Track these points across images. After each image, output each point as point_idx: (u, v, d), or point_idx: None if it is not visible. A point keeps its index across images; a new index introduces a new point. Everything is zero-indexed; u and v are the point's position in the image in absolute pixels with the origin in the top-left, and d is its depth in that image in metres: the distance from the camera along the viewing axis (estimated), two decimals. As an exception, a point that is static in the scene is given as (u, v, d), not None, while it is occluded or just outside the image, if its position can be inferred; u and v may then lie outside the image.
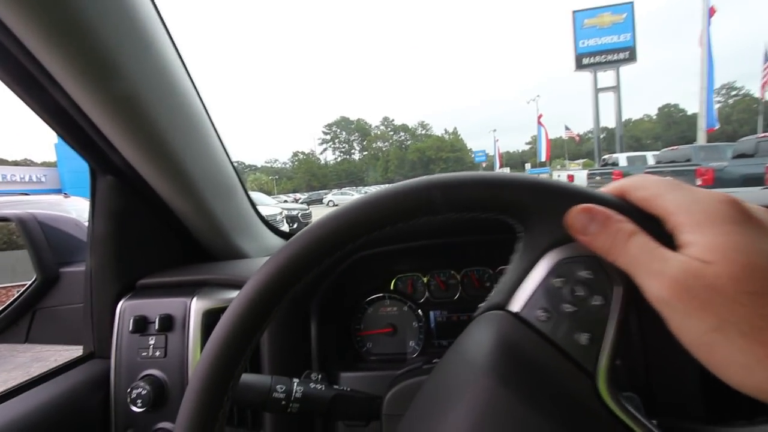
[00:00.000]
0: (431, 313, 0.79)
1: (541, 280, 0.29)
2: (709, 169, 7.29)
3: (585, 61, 22.95)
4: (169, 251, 0.78)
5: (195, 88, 0.71)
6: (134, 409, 0.60)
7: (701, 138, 13.05)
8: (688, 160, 8.86)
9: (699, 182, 7.03)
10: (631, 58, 22.43)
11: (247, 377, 0.51)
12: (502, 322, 0.30)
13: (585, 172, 13.92)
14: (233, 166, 0.87)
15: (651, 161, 12.22)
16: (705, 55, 12.83)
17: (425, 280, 0.79)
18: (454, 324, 0.78)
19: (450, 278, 0.79)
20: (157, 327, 0.63)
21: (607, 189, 0.30)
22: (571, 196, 0.28)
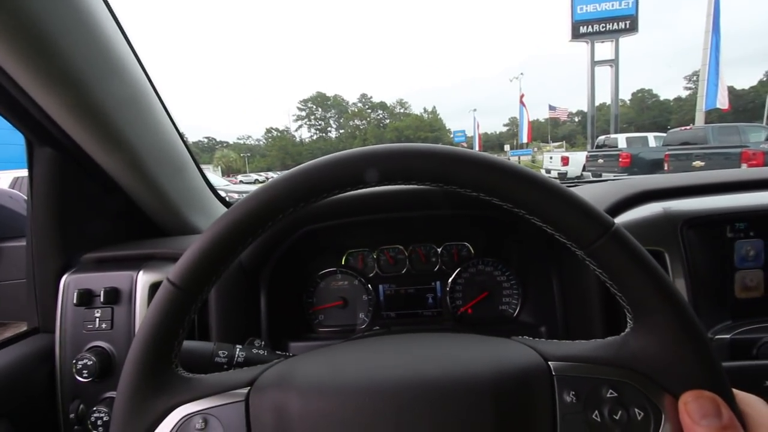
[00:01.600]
0: (380, 287, 0.82)
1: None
2: (759, 152, 6.24)
3: (582, 29, 20.25)
4: (116, 226, 0.77)
5: (140, 62, 0.69)
6: (80, 379, 0.61)
7: (699, 119, 12.47)
8: (705, 143, 7.99)
9: (745, 166, 6.08)
10: (632, 28, 19.94)
11: (189, 343, 0.53)
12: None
13: (584, 154, 12.39)
14: (184, 141, 0.86)
15: (652, 143, 11.06)
16: (710, 27, 11.82)
17: (375, 255, 0.82)
18: (401, 296, 0.82)
19: (398, 253, 0.82)
20: (102, 300, 0.63)
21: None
22: None
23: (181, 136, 0.85)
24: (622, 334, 0.34)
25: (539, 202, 0.32)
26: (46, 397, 0.64)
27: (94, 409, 0.61)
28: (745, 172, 0.70)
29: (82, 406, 0.63)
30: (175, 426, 0.34)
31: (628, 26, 20.04)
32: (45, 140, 0.64)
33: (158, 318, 0.34)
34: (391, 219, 0.72)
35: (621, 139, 11.57)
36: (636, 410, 0.31)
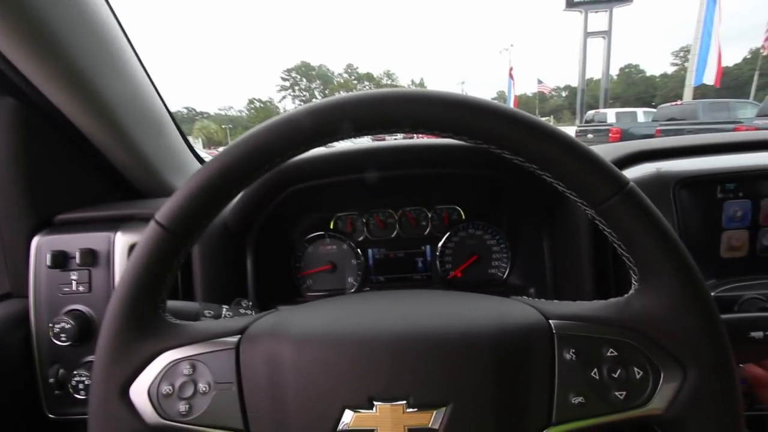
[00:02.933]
0: (369, 251, 0.81)
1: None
2: (752, 128, 5.96)
3: None
4: (91, 187, 0.73)
5: (113, 12, 0.64)
6: (58, 343, 0.58)
7: (687, 95, 12.52)
8: (694, 118, 8.01)
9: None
10: None
11: (174, 303, 0.51)
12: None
13: (572, 129, 12.25)
14: (162, 100, 0.81)
15: (641, 118, 11.06)
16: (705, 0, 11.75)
17: (364, 219, 0.81)
18: (391, 261, 0.81)
19: (388, 217, 0.81)
20: (78, 262, 0.60)
21: None
22: None
23: (159, 93, 0.80)
24: (626, 295, 0.33)
25: (553, 157, 0.31)
26: (23, 362, 0.62)
27: (75, 373, 0.59)
28: (735, 135, 0.70)
29: (62, 370, 0.61)
30: (161, 371, 0.33)
31: None
32: (4, 89, 0.58)
33: (145, 260, 0.33)
34: (381, 181, 0.70)
35: (610, 114, 11.54)
36: (635, 369, 0.31)
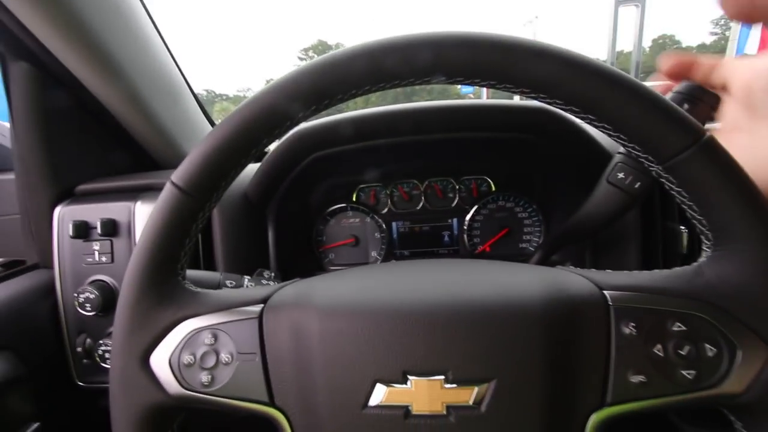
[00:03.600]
0: (393, 224, 0.78)
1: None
2: None
3: None
4: (111, 158, 0.72)
5: None
6: (84, 313, 0.58)
7: None
8: None
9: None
10: None
11: (195, 272, 0.50)
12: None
13: None
14: (180, 70, 0.78)
15: None
16: None
17: (388, 191, 0.77)
18: (416, 234, 0.78)
19: (413, 189, 0.77)
20: (100, 232, 0.59)
21: None
22: None
23: (177, 63, 0.77)
24: (695, 264, 0.29)
25: (614, 105, 0.26)
26: (52, 331, 0.63)
27: (101, 342, 0.59)
28: None
29: (89, 340, 0.61)
30: (182, 340, 0.31)
31: None
32: (19, 53, 0.57)
33: (161, 223, 0.31)
34: (407, 147, 0.66)
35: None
36: (707, 346, 0.27)
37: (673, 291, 0.28)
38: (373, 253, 0.79)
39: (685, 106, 0.43)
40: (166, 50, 0.73)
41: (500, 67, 0.27)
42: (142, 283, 0.31)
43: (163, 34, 0.71)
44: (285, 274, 0.69)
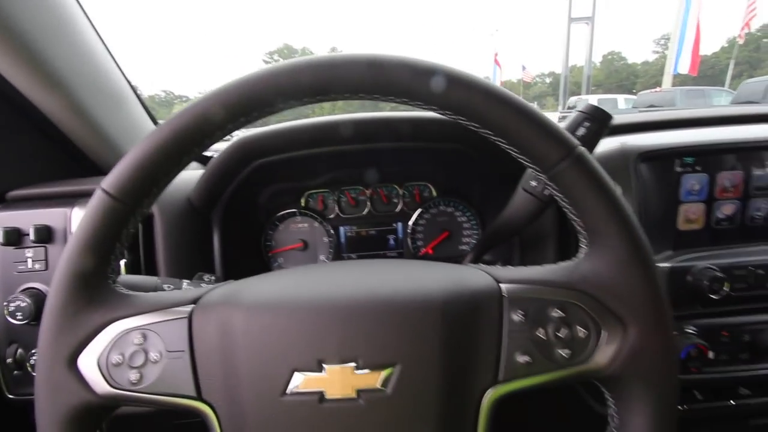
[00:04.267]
0: (341, 228, 0.81)
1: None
2: None
3: None
4: (48, 163, 0.70)
5: None
6: (14, 322, 0.57)
7: (667, 82, 12.82)
8: (672, 105, 8.10)
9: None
10: None
11: (131, 277, 0.50)
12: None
13: (556, 115, 13.11)
14: (124, 75, 0.77)
15: (622, 105, 11.33)
16: None
17: (335, 196, 0.80)
18: (362, 238, 0.81)
19: (359, 194, 0.80)
20: (33, 238, 0.58)
21: None
22: None
23: (120, 68, 0.76)
24: (575, 259, 0.34)
25: (507, 123, 0.31)
26: None
27: (33, 352, 0.58)
28: (694, 111, 0.72)
29: (20, 350, 0.59)
30: (111, 341, 0.32)
31: None
32: None
33: (91, 229, 0.32)
34: (350, 156, 0.69)
35: (592, 101, 11.61)
36: (579, 328, 0.32)
37: (555, 282, 0.33)
38: (322, 257, 0.81)
39: (586, 123, 0.49)
40: (108, 54, 0.72)
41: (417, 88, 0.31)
42: (70, 286, 0.32)
43: (104, 39, 0.71)
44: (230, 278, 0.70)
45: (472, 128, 0.33)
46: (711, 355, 0.58)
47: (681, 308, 0.59)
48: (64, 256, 0.32)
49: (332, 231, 0.80)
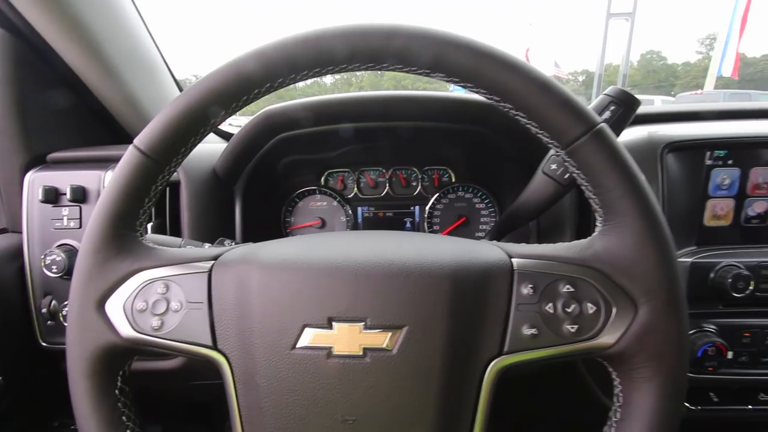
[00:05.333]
0: (359, 209, 0.82)
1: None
2: None
3: None
4: (83, 128, 0.74)
5: None
6: (50, 275, 0.61)
7: (709, 84, 12.36)
8: None
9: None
10: None
11: (157, 237, 0.53)
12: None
13: None
14: (158, 48, 0.80)
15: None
16: None
17: (355, 176, 0.81)
18: (379, 219, 0.82)
19: (379, 176, 0.81)
20: (69, 197, 0.62)
21: None
22: None
23: (155, 41, 0.79)
24: (589, 237, 0.34)
25: (526, 96, 0.31)
26: (18, 293, 0.64)
27: (65, 304, 0.62)
28: (730, 104, 0.69)
29: (54, 302, 0.63)
30: (136, 288, 0.35)
31: None
32: None
33: (123, 182, 0.34)
34: (371, 134, 0.70)
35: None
36: (588, 304, 0.31)
37: (567, 259, 0.33)
38: (338, 236, 0.82)
39: (612, 107, 0.48)
40: (145, 29, 0.75)
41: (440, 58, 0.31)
42: (102, 234, 0.34)
43: (142, 14, 0.74)
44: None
45: (492, 102, 0.33)
46: (730, 355, 0.56)
47: (701, 305, 0.57)
48: (96, 207, 0.35)
49: (350, 211, 0.81)
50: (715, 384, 0.59)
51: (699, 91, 10.28)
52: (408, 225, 0.82)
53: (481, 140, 0.67)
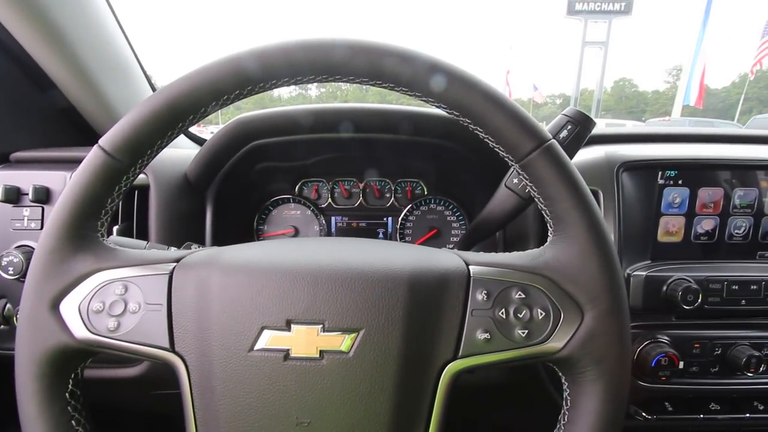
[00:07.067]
0: (332, 218, 0.83)
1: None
2: None
3: (578, 6, 19.94)
4: (50, 128, 0.72)
5: None
6: (5, 276, 0.58)
7: (676, 112, 13.05)
8: None
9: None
10: (626, 10, 19.90)
11: (120, 238, 0.52)
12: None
13: None
14: (133, 50, 0.80)
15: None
16: (701, 22, 12.44)
17: (329, 186, 0.82)
18: (352, 229, 0.83)
19: (353, 186, 0.82)
20: (31, 198, 0.60)
21: None
22: None
23: (130, 43, 0.79)
24: (542, 246, 0.36)
25: (483, 112, 0.33)
26: None
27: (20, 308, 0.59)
28: (680, 128, 0.74)
29: (8, 305, 0.61)
30: (94, 289, 0.34)
31: (623, 8, 19.87)
32: None
33: (85, 181, 0.34)
34: (348, 146, 0.71)
35: (601, 125, 11.79)
36: (538, 310, 0.33)
37: (520, 267, 0.35)
38: (311, 244, 0.83)
39: (569, 126, 0.51)
40: (120, 30, 0.74)
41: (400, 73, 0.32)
42: (61, 232, 0.34)
43: (117, 15, 0.73)
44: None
45: (453, 117, 0.35)
46: (681, 365, 0.59)
47: (655, 317, 0.60)
48: (57, 205, 0.34)
49: (323, 220, 0.82)
50: (669, 393, 0.62)
51: (667, 118, 10.96)
52: (381, 235, 0.83)
53: (449, 154, 0.69)
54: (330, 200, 0.82)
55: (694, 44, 12.69)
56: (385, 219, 0.83)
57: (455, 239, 0.82)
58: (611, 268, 0.33)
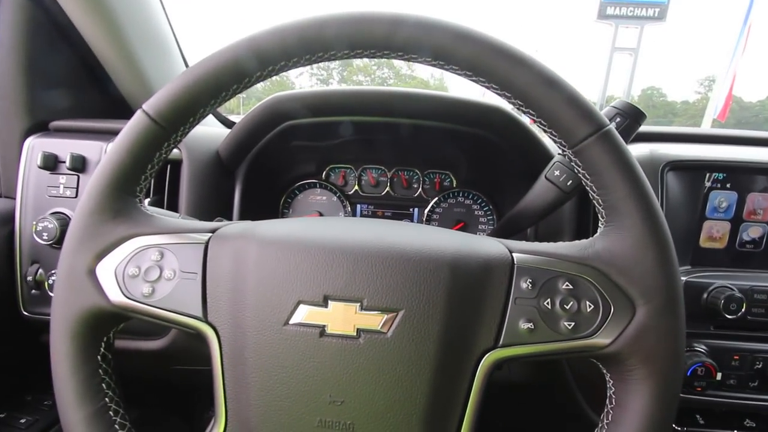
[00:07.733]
0: (358, 206, 0.82)
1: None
2: None
3: (609, 10, 18.47)
4: (89, 100, 0.73)
5: None
6: (39, 241, 0.59)
7: (706, 124, 12.74)
8: None
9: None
10: (660, 17, 18.44)
11: (153, 208, 0.52)
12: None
13: None
14: (171, 28, 0.81)
15: None
16: (739, 33, 12.01)
17: (357, 173, 0.81)
18: (377, 218, 0.82)
19: (380, 175, 0.81)
20: (68, 166, 0.61)
21: None
22: None
23: (170, 21, 0.80)
24: (591, 237, 0.34)
25: (536, 93, 0.31)
26: (5, 261, 0.63)
27: (52, 272, 0.60)
28: (731, 130, 0.70)
29: (40, 270, 0.62)
30: (130, 254, 0.34)
31: (656, 14, 18.50)
32: None
33: (127, 145, 0.33)
34: (379, 131, 0.70)
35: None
36: (587, 302, 0.31)
37: (568, 257, 0.33)
38: (335, 231, 0.82)
39: (618, 119, 0.49)
40: (161, 5, 0.75)
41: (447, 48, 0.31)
42: (100, 196, 0.34)
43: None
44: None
45: (504, 96, 0.33)
46: (719, 376, 0.56)
47: (693, 325, 0.58)
48: (98, 168, 0.34)
49: (349, 207, 0.81)
50: (702, 405, 0.59)
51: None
52: (406, 226, 0.82)
53: (482, 143, 0.67)
54: (357, 187, 0.81)
55: (730, 53, 12.26)
56: (411, 210, 0.82)
57: (482, 234, 0.81)
58: (668, 262, 0.31)
